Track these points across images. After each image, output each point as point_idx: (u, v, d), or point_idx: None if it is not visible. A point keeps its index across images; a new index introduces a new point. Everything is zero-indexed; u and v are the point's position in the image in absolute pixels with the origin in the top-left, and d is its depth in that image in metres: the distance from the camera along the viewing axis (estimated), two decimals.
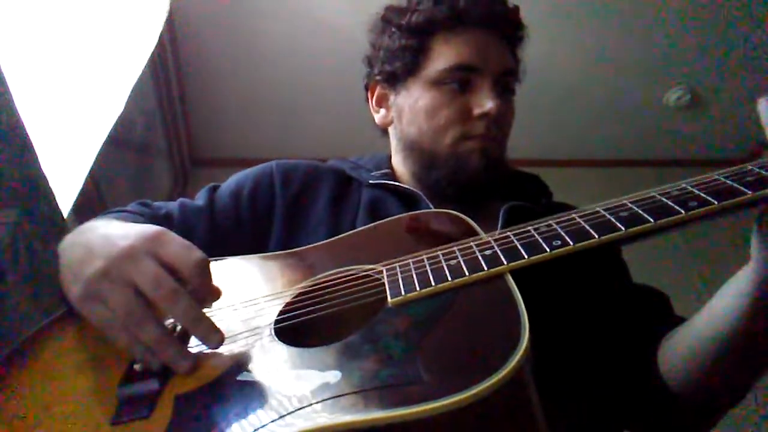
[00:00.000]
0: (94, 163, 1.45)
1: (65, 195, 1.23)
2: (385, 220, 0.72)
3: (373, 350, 0.48)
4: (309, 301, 0.60)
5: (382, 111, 0.92)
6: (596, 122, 2.58)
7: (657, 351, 0.68)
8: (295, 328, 0.57)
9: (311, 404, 0.43)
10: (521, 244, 0.55)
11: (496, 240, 0.57)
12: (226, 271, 0.70)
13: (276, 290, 0.64)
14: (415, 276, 0.55)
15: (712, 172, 0.53)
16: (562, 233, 0.54)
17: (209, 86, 2.32)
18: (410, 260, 0.59)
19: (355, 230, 0.73)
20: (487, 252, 0.55)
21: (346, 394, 0.43)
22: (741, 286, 0.56)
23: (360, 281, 0.60)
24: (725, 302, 0.58)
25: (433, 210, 0.76)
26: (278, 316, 0.59)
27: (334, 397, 0.43)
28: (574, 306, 0.72)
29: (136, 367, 0.53)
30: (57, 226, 0.98)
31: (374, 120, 0.94)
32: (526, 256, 0.53)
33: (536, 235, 0.55)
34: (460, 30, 0.82)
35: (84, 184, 1.37)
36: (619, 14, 2.19)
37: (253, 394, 0.48)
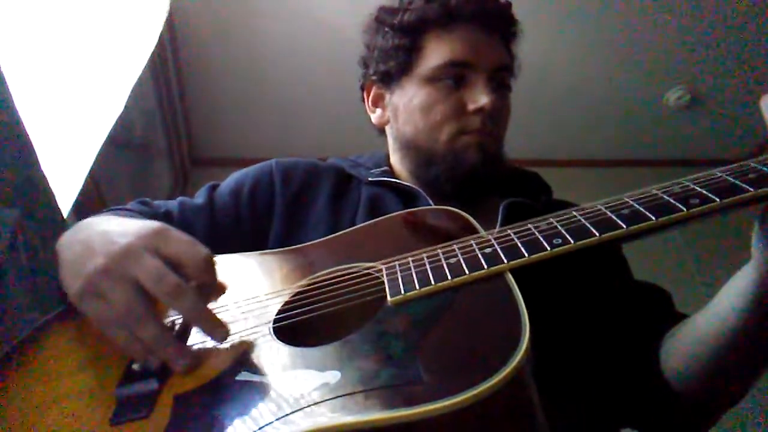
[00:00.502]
0: (94, 163, 1.45)
1: (65, 195, 1.23)
2: (385, 216, 0.72)
3: (372, 350, 0.48)
4: (308, 300, 0.59)
5: (379, 111, 0.92)
6: (596, 122, 2.58)
7: (659, 348, 0.68)
8: (293, 327, 0.57)
9: (311, 404, 0.43)
10: (521, 242, 0.54)
11: (496, 238, 0.57)
12: (224, 268, 0.70)
13: (275, 288, 0.64)
14: (414, 275, 0.55)
15: (713, 169, 0.53)
16: (563, 231, 0.54)
17: (209, 86, 2.32)
18: (410, 258, 0.58)
19: (355, 227, 0.73)
20: (487, 250, 0.55)
21: (346, 395, 0.43)
22: (742, 285, 0.56)
23: (359, 280, 0.60)
24: (727, 301, 0.58)
25: (433, 207, 0.76)
26: (277, 314, 0.58)
27: (334, 398, 0.43)
28: (575, 304, 0.72)
29: (135, 366, 0.53)
30: (57, 226, 0.98)
31: (371, 120, 0.94)
32: (526, 255, 0.53)
33: (536, 233, 0.55)
34: (452, 27, 0.82)
35: (84, 184, 1.37)
36: (619, 14, 2.19)
37: (252, 393, 0.47)
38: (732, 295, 0.57)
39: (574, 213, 0.56)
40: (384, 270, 0.59)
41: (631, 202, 0.54)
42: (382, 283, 0.56)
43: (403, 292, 0.53)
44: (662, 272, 1.26)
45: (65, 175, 1.25)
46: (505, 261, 0.53)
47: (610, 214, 0.54)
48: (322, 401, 0.43)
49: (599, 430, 0.73)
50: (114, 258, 0.52)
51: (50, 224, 0.97)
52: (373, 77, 0.90)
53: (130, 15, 1.71)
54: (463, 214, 0.66)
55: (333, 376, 0.46)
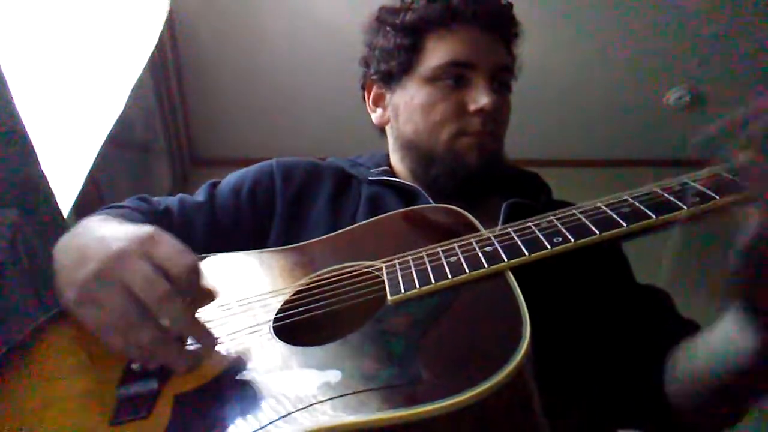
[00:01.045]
0: (94, 163, 1.45)
1: (65, 195, 1.23)
2: (385, 215, 0.72)
3: (373, 349, 0.48)
4: (308, 299, 0.59)
5: (379, 110, 0.92)
6: (596, 122, 2.58)
7: (659, 349, 0.68)
8: (294, 326, 0.57)
9: (312, 404, 0.43)
10: (522, 241, 0.54)
11: (496, 236, 0.57)
12: (224, 266, 0.70)
13: (275, 286, 0.64)
14: (414, 273, 0.55)
15: (714, 167, 0.53)
16: (563, 229, 0.54)
17: (209, 86, 2.32)
18: (410, 257, 0.58)
19: (355, 225, 0.73)
20: (488, 249, 0.55)
21: (347, 394, 0.43)
22: (729, 345, 0.54)
23: (359, 278, 0.60)
24: (718, 352, 0.57)
25: (433, 205, 0.76)
26: (277, 313, 0.58)
27: (334, 397, 0.43)
28: (575, 304, 0.72)
29: (135, 367, 0.53)
30: (57, 226, 0.98)
31: (372, 120, 0.94)
32: (526, 253, 0.53)
33: (537, 231, 0.55)
34: (453, 27, 0.82)
35: (84, 184, 1.37)
36: (619, 14, 2.19)
37: (252, 393, 0.47)
38: (719, 347, 0.56)
39: (575, 211, 0.56)
40: (384, 269, 0.58)
41: (632, 201, 0.54)
42: (383, 281, 0.56)
43: (403, 290, 0.53)
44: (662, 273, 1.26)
45: (65, 175, 1.25)
46: (506, 260, 0.53)
47: (610, 212, 0.54)
48: (322, 400, 0.43)
49: (599, 431, 0.73)
50: (106, 263, 0.52)
51: (50, 224, 0.97)
52: (374, 77, 0.90)
53: (130, 15, 1.71)
54: (463, 212, 0.66)
55: (333, 376, 0.46)
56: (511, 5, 0.88)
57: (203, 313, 0.56)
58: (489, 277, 0.52)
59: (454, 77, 0.81)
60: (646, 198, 0.54)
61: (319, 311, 0.58)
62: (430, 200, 0.79)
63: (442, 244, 0.59)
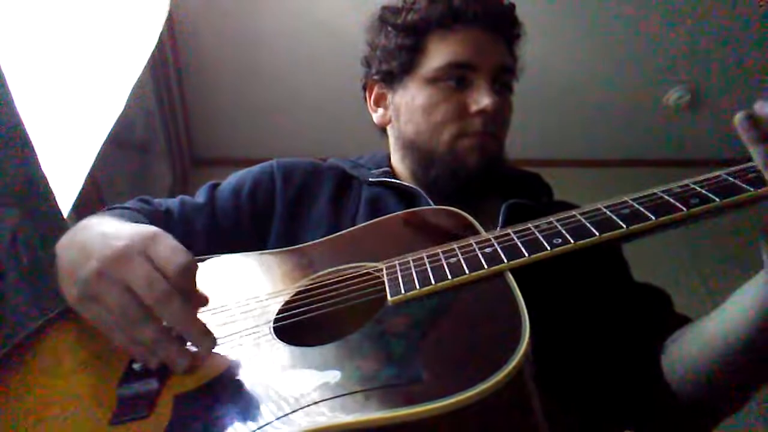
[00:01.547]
0: (94, 163, 1.45)
1: (65, 195, 1.23)
2: (385, 216, 0.72)
3: (373, 349, 0.48)
4: (308, 300, 0.59)
5: (380, 110, 0.92)
6: (596, 122, 2.58)
7: (659, 350, 0.68)
8: (294, 327, 0.57)
9: (311, 404, 0.43)
10: (522, 242, 0.54)
11: (496, 238, 0.57)
12: (224, 267, 0.70)
13: (275, 287, 0.64)
14: (415, 274, 0.55)
15: (714, 170, 0.53)
16: (563, 231, 0.54)
17: (209, 86, 2.32)
18: (410, 258, 0.59)
19: (355, 227, 0.73)
20: (488, 250, 0.55)
21: (347, 394, 0.43)
22: (753, 298, 0.55)
23: (360, 279, 0.60)
24: (737, 312, 0.58)
25: (433, 207, 0.76)
26: (277, 314, 0.58)
27: (334, 397, 0.43)
28: (575, 305, 0.72)
29: (135, 366, 0.53)
30: (57, 226, 0.98)
31: (373, 120, 0.94)
32: (526, 254, 0.53)
33: (537, 232, 0.55)
34: (455, 28, 0.82)
35: (84, 184, 1.37)
36: (619, 14, 2.19)
37: (252, 393, 0.47)
38: (743, 310, 0.57)
39: (575, 213, 0.56)
40: (384, 270, 0.59)
41: (632, 202, 0.54)
42: (383, 282, 0.57)
43: (403, 291, 0.53)
44: (662, 273, 1.26)
45: (65, 175, 1.25)
46: (506, 261, 0.53)
47: (610, 213, 0.54)
48: (322, 401, 0.43)
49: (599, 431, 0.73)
50: (107, 262, 0.52)
51: (50, 224, 0.97)
52: (376, 77, 0.90)
53: (130, 15, 1.71)
54: (464, 213, 0.66)
55: (333, 376, 0.46)
56: (513, 6, 0.88)
57: (203, 314, 0.56)
58: (489, 278, 0.52)
59: (456, 78, 0.81)
60: (646, 200, 0.54)
61: (320, 312, 0.58)
62: (431, 202, 0.79)
63: (442, 245, 0.59)
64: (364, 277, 0.60)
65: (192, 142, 2.50)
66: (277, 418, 0.43)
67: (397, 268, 0.58)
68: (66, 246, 0.60)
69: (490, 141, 0.81)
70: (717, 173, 0.53)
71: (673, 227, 0.52)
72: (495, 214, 0.77)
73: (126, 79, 1.69)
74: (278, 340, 0.54)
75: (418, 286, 0.53)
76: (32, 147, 0.94)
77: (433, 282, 0.53)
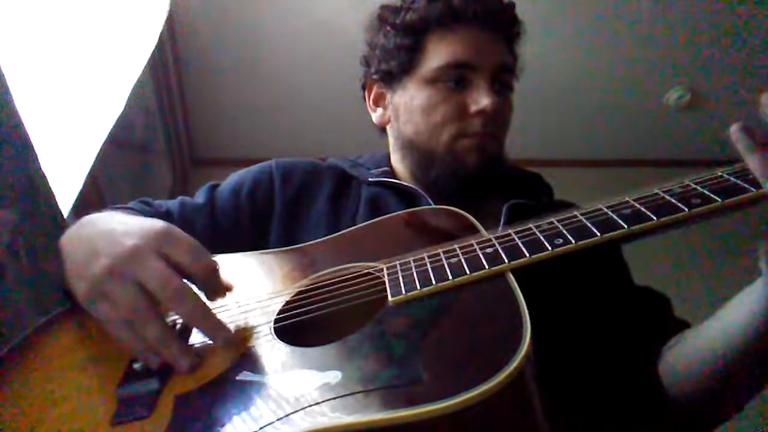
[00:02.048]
0: (94, 163, 1.45)
1: (65, 195, 1.23)
2: (386, 216, 0.72)
3: (373, 350, 0.48)
4: (309, 300, 0.59)
5: (380, 110, 0.92)
6: (596, 122, 2.58)
7: (656, 354, 0.68)
8: (294, 327, 0.57)
9: (311, 404, 0.43)
10: (523, 243, 0.54)
11: (497, 238, 0.57)
12: (225, 268, 0.70)
13: (276, 288, 0.64)
14: (415, 274, 0.55)
15: (715, 169, 0.53)
16: (564, 231, 0.54)
17: (209, 86, 2.32)
18: (411, 258, 0.58)
19: (355, 227, 0.73)
20: (489, 250, 0.55)
21: (347, 395, 0.43)
22: (752, 304, 0.55)
23: (360, 279, 0.60)
24: (736, 317, 0.58)
25: (434, 207, 0.76)
26: (278, 314, 0.58)
27: (334, 398, 0.43)
28: (575, 307, 0.72)
29: (136, 366, 0.53)
30: (57, 226, 0.98)
31: (372, 119, 0.94)
32: (527, 255, 0.53)
33: (538, 233, 0.55)
34: (455, 27, 0.82)
35: (84, 184, 1.37)
36: (618, 14, 2.19)
37: (252, 393, 0.47)
38: (740, 314, 0.57)
39: (576, 213, 0.56)
40: (385, 270, 0.58)
41: (633, 202, 0.54)
42: (383, 282, 0.56)
43: (404, 291, 0.53)
44: (662, 273, 1.26)
45: (65, 175, 1.25)
46: (506, 261, 0.53)
47: (611, 214, 0.54)
48: (322, 401, 0.43)
49: None
50: (118, 260, 0.52)
51: (50, 224, 0.97)
52: (375, 76, 0.90)
53: (130, 15, 1.71)
54: (464, 213, 0.66)
55: (334, 376, 0.46)
56: (513, 5, 0.87)
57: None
58: (490, 279, 0.52)
59: (455, 78, 0.81)
60: (647, 200, 0.54)
61: (320, 312, 0.58)
62: (431, 202, 0.78)
63: (443, 245, 0.59)
64: (365, 277, 0.60)
65: (192, 142, 2.50)
66: (278, 419, 0.43)
67: (398, 268, 0.58)
68: (72, 241, 0.60)
69: (489, 141, 0.81)
70: (718, 173, 0.53)
71: (674, 228, 0.52)
72: (496, 214, 0.77)
73: (126, 79, 1.68)
74: (279, 340, 0.54)
75: (418, 287, 0.53)
76: (32, 147, 0.94)
77: (433, 282, 0.53)
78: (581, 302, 0.73)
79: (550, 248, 0.53)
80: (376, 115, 0.92)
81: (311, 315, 0.58)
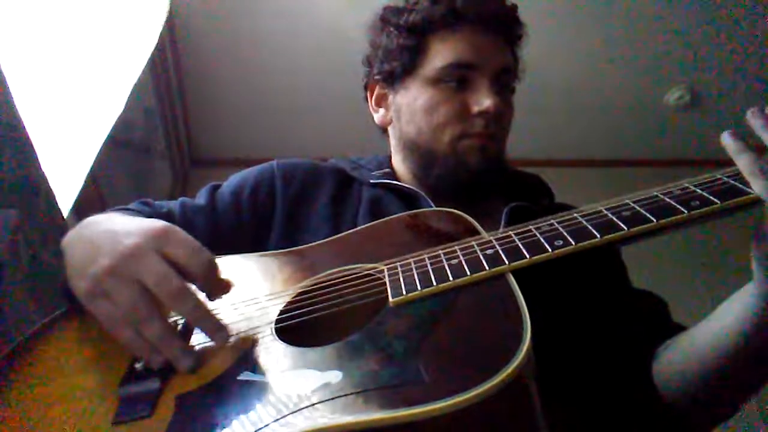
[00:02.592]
0: (94, 163, 1.45)
1: (65, 195, 1.23)
2: (387, 218, 0.72)
3: (374, 350, 0.48)
4: (310, 301, 0.59)
5: (381, 110, 0.92)
6: (596, 122, 2.58)
7: (652, 358, 0.68)
8: (295, 328, 0.57)
9: (312, 404, 0.43)
10: (523, 244, 0.55)
11: (497, 239, 0.57)
12: (226, 269, 0.70)
13: (277, 289, 0.64)
14: (416, 275, 0.55)
15: (714, 172, 0.53)
16: (564, 233, 0.54)
17: (209, 86, 2.32)
18: (411, 259, 0.59)
19: (356, 229, 0.73)
20: (489, 251, 0.55)
21: (347, 395, 0.43)
22: (742, 309, 0.55)
23: (361, 280, 0.60)
24: (726, 322, 0.58)
25: (435, 209, 0.76)
26: (279, 315, 0.59)
27: (335, 397, 0.43)
28: (574, 308, 0.72)
29: (138, 366, 0.53)
30: (57, 226, 0.98)
31: (374, 120, 0.94)
32: (527, 256, 0.53)
33: (538, 234, 0.55)
34: (457, 28, 0.82)
35: (84, 184, 1.37)
36: (618, 14, 2.19)
37: (253, 393, 0.47)
38: (731, 317, 0.57)
39: (575, 215, 0.56)
40: (386, 271, 0.59)
41: (632, 204, 0.54)
42: (384, 284, 0.57)
43: (404, 292, 0.53)
44: (662, 276, 1.26)
45: (65, 175, 1.25)
46: (507, 262, 0.53)
47: (611, 215, 0.54)
48: (323, 401, 0.43)
49: None
50: (119, 259, 0.53)
51: (50, 224, 0.97)
52: (377, 77, 0.90)
53: (130, 15, 1.71)
54: (465, 215, 0.66)
55: (334, 376, 0.46)
56: (515, 7, 0.87)
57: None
58: (490, 279, 0.52)
59: (457, 79, 0.81)
60: (646, 202, 0.54)
61: (321, 313, 0.58)
62: (431, 203, 0.78)
63: (443, 246, 0.59)
64: (366, 278, 0.60)
65: (192, 142, 2.50)
66: (279, 418, 0.43)
67: (399, 269, 0.58)
68: (73, 242, 0.60)
69: (491, 142, 0.81)
70: (717, 175, 0.53)
71: (673, 229, 0.52)
72: (496, 215, 0.77)
73: (126, 79, 1.69)
74: (280, 341, 0.54)
75: (419, 287, 0.53)
76: (32, 147, 0.94)
77: (434, 283, 0.53)
78: (580, 303, 0.73)
79: (550, 250, 0.53)
80: (378, 116, 0.93)
81: (312, 316, 0.58)
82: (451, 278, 0.53)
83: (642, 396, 0.67)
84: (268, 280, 0.68)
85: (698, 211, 0.50)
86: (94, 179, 1.48)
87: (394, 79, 0.87)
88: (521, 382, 0.42)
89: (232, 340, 0.56)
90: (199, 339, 0.56)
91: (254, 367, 0.51)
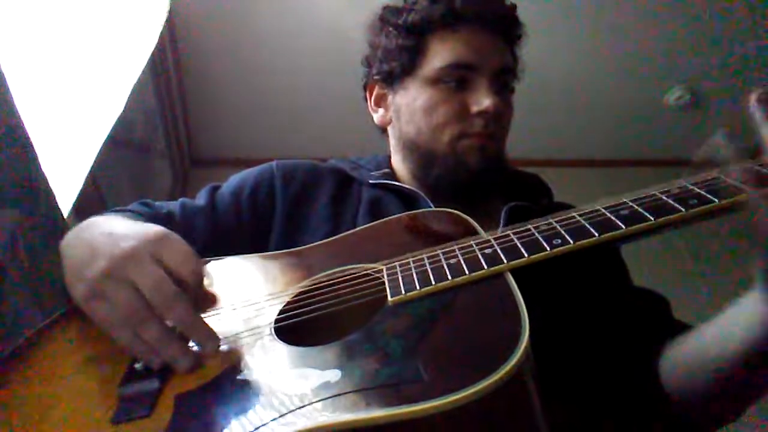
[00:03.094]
0: (94, 163, 1.45)
1: (65, 195, 1.23)
2: (386, 219, 0.72)
3: (373, 349, 0.48)
4: (309, 300, 0.60)
5: (381, 111, 0.92)
6: (596, 122, 2.58)
7: (654, 356, 0.68)
8: (295, 328, 0.57)
9: (311, 403, 0.43)
10: (521, 243, 0.55)
11: (496, 239, 0.57)
12: (226, 270, 0.70)
13: (276, 289, 0.64)
14: (415, 275, 0.55)
15: (713, 170, 0.53)
16: (562, 232, 0.54)
17: (209, 86, 2.33)
18: (410, 259, 0.59)
19: (355, 229, 0.73)
20: (487, 251, 0.55)
21: (347, 393, 0.43)
22: (750, 320, 0.54)
23: (360, 280, 0.60)
24: (734, 330, 0.57)
25: (434, 209, 0.76)
26: (278, 315, 0.59)
27: (334, 396, 0.43)
28: (573, 307, 0.72)
29: (137, 366, 0.53)
30: (57, 226, 0.98)
31: (373, 120, 0.94)
32: (526, 255, 0.53)
33: (536, 233, 0.55)
34: (456, 28, 0.82)
35: (84, 184, 1.37)
36: (619, 14, 2.19)
37: (253, 393, 0.48)
38: (737, 324, 0.56)
39: (574, 214, 0.56)
40: (384, 270, 0.59)
41: (631, 203, 0.54)
42: (383, 283, 0.57)
43: (403, 292, 0.53)
44: (662, 274, 1.26)
45: (65, 175, 1.25)
46: (505, 261, 0.53)
47: (609, 214, 0.54)
48: (322, 399, 0.43)
49: None
50: (116, 261, 0.53)
51: (50, 224, 0.97)
52: (376, 77, 0.90)
53: (130, 15, 1.71)
54: (464, 215, 0.66)
55: (334, 375, 0.46)
56: (515, 7, 0.87)
57: (208, 316, 0.57)
58: (489, 279, 0.52)
59: (456, 79, 0.81)
60: (644, 201, 0.54)
61: (320, 312, 0.58)
62: (431, 204, 0.79)
63: (442, 246, 0.59)
64: (365, 278, 0.60)
65: (192, 142, 2.50)
66: (278, 418, 0.43)
67: (398, 268, 0.58)
68: (72, 244, 0.60)
69: (490, 142, 0.81)
70: (715, 174, 0.53)
71: (672, 228, 0.52)
72: (495, 215, 0.77)
73: (126, 79, 1.69)
74: (279, 340, 0.54)
75: (418, 287, 0.53)
76: (32, 147, 0.94)
77: (433, 282, 0.53)
78: (580, 303, 0.73)
79: (548, 249, 0.53)
80: (377, 116, 0.93)
81: (311, 315, 0.58)
82: (449, 277, 0.53)
83: (647, 393, 0.67)
84: (267, 280, 0.68)
85: (697, 209, 0.50)
86: (94, 179, 1.48)
87: (393, 79, 0.87)
88: (520, 380, 0.42)
89: (232, 339, 0.56)
90: None
91: (254, 366, 0.51)
